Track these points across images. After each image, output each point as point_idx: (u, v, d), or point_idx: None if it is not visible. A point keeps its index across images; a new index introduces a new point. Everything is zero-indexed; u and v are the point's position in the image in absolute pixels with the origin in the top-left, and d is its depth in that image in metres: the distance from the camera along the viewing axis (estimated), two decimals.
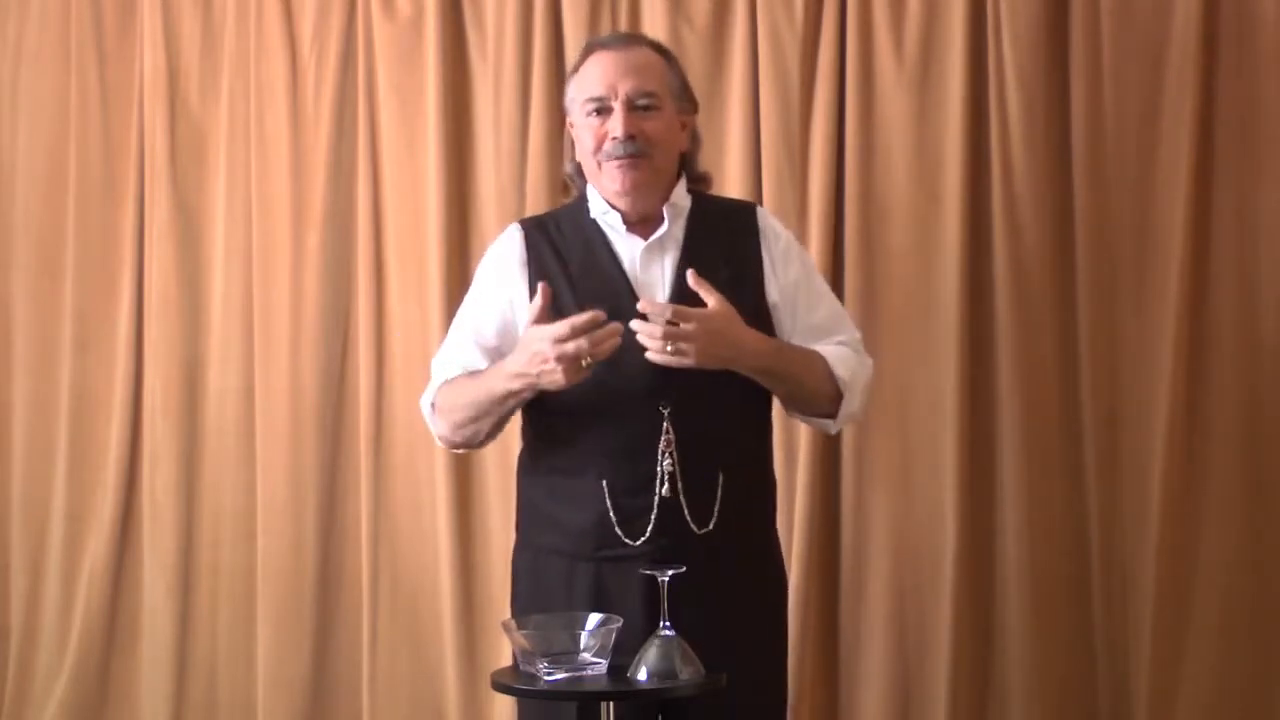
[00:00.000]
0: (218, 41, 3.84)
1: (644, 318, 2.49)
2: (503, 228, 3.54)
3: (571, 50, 3.57)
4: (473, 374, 2.69)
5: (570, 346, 2.45)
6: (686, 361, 2.48)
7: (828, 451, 3.42)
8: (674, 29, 3.50)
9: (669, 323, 2.47)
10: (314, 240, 3.75)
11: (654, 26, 3.49)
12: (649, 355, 2.48)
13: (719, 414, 2.58)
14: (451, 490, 3.60)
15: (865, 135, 3.42)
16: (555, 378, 2.49)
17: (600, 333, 2.46)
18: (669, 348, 2.46)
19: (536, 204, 3.53)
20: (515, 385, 2.57)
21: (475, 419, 2.67)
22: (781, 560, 2.80)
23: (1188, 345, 3.29)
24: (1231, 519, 3.30)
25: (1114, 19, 3.34)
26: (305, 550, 3.72)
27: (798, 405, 2.75)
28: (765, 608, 2.72)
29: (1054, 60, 3.37)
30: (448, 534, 3.61)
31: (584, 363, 2.46)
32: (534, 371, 2.51)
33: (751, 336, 2.59)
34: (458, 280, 3.62)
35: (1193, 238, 3.29)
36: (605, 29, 3.55)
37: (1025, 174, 3.36)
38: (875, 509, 3.42)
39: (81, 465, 3.89)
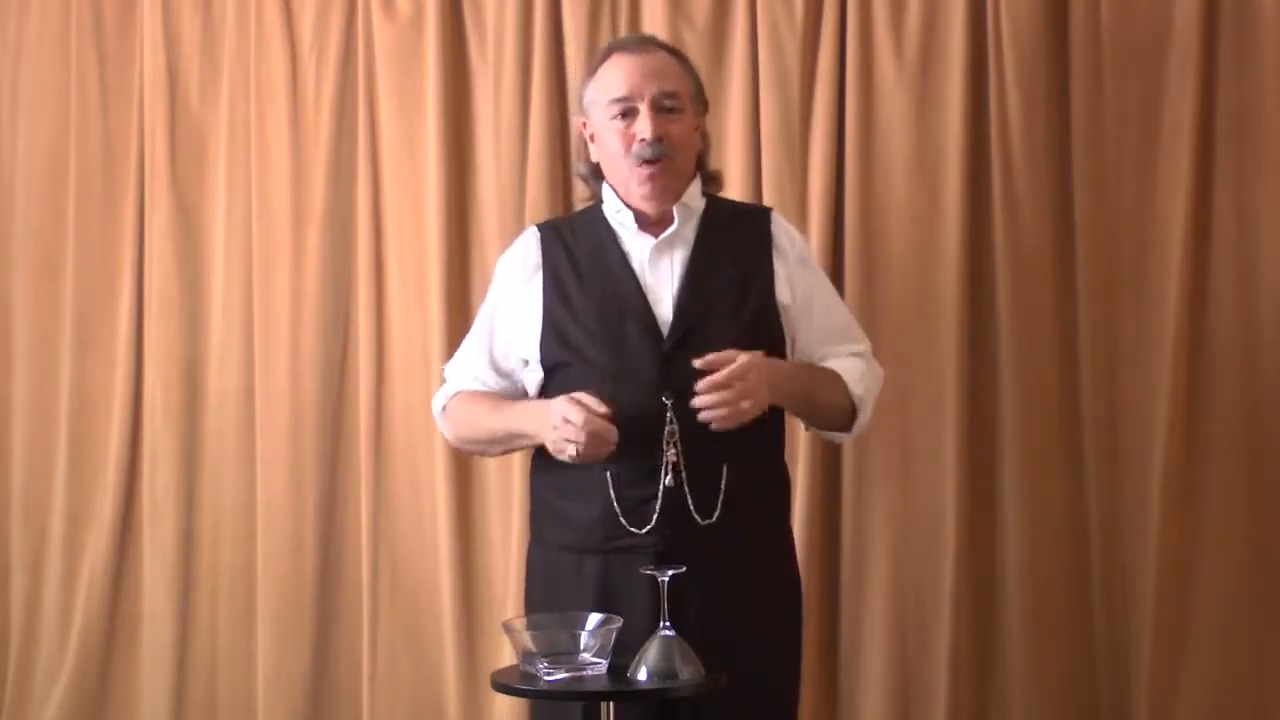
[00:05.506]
0: (218, 41, 3.84)
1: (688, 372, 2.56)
2: (503, 228, 3.59)
3: (572, 50, 3.58)
4: (492, 401, 2.77)
5: (578, 419, 2.52)
6: (756, 412, 2.55)
7: (828, 451, 3.42)
8: (674, 29, 3.49)
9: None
10: (314, 240, 3.74)
11: (654, 26, 3.49)
12: (717, 425, 2.54)
13: None
14: (451, 490, 3.60)
15: (865, 135, 3.42)
16: (552, 437, 2.58)
17: (600, 427, 2.52)
18: (745, 404, 2.53)
19: (536, 204, 3.53)
20: (529, 428, 2.67)
21: (485, 444, 2.84)
22: (795, 559, 2.82)
23: (1188, 345, 3.29)
24: (1231, 519, 3.29)
25: (1114, 19, 3.33)
26: (305, 550, 3.72)
27: (816, 423, 2.81)
28: (775, 604, 2.74)
29: (1054, 60, 3.37)
30: (448, 534, 3.60)
31: (574, 448, 2.54)
32: (550, 427, 2.59)
33: (783, 364, 2.68)
34: (458, 280, 3.62)
35: (1193, 238, 3.29)
36: (605, 29, 3.56)
37: (1025, 174, 3.36)
38: (875, 509, 3.42)
39: (81, 465, 3.89)
